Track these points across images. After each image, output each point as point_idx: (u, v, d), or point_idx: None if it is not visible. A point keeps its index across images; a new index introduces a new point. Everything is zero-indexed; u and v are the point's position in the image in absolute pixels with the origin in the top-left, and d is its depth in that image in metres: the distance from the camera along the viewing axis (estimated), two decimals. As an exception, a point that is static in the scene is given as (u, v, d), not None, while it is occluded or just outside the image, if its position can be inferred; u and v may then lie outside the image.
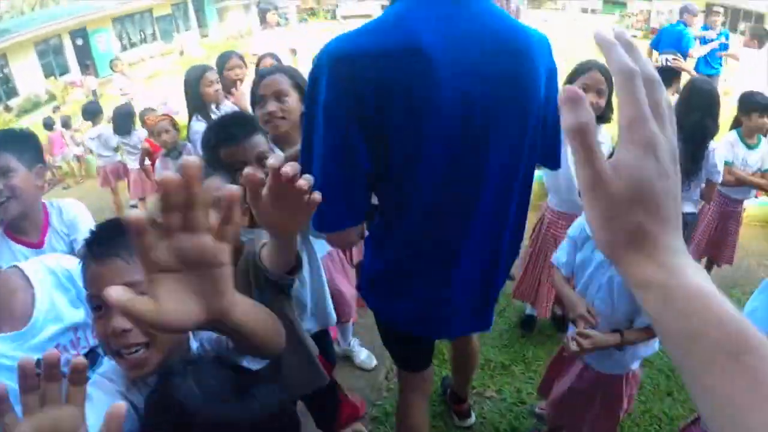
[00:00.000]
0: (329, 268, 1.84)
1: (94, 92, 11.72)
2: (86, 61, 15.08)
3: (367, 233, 1.26)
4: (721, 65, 5.27)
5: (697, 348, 0.33)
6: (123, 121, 4.57)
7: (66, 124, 7.82)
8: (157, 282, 0.46)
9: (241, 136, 1.26)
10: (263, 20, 6.23)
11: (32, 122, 8.53)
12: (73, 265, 1.07)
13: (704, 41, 5.10)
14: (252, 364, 0.81)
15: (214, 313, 0.50)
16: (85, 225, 1.53)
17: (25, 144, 1.48)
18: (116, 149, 4.92)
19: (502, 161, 1.05)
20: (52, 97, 13.66)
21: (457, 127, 0.97)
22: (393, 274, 1.19)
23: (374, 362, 2.31)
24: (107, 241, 0.79)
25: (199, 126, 2.75)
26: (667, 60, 3.19)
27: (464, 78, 0.94)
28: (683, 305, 0.34)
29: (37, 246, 1.48)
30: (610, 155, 0.38)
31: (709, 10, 5.79)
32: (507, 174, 1.08)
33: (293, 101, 1.57)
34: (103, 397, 0.75)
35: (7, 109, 13.17)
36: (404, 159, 1.00)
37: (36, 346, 0.97)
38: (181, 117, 3.55)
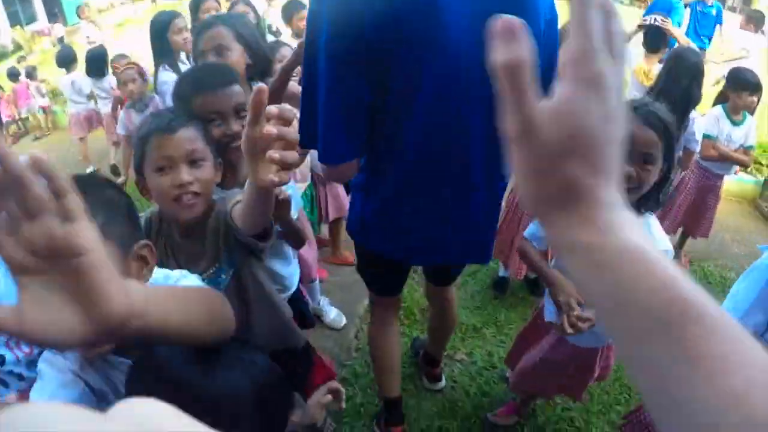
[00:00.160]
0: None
1: (61, 40, 11.24)
2: (54, 8, 14.31)
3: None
4: (710, 40, 5.12)
5: (631, 318, 0.29)
6: (95, 64, 4.51)
7: (31, 75, 7.48)
8: (24, 288, 0.39)
9: (218, 85, 1.17)
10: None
11: (-1, 73, 8.11)
12: None
13: (698, 15, 4.97)
14: None
15: (102, 322, 0.40)
16: None
17: None
18: (90, 96, 4.85)
19: (494, 101, 1.03)
20: (18, 47, 13.02)
21: (457, 66, 0.98)
22: (388, 212, 1.21)
23: (344, 321, 2.28)
24: None
25: (168, 76, 2.58)
26: (654, 20, 3.06)
27: (467, 19, 0.94)
28: (617, 270, 0.30)
29: None
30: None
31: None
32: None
33: (236, 55, 1.46)
34: (55, 376, 0.69)
35: (-28, 59, 12.52)
36: (403, 94, 1.01)
37: None
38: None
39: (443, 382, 1.99)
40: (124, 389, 0.66)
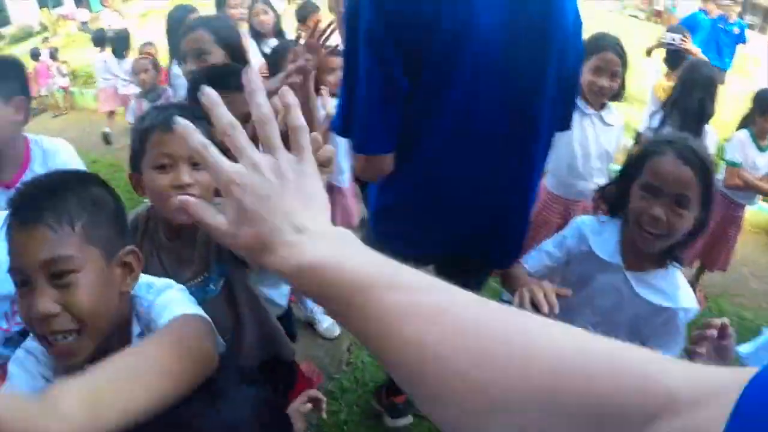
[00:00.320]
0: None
1: (84, 25, 11.45)
2: (82, -7, 14.55)
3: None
4: (731, 59, 4.79)
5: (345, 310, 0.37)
6: (119, 44, 4.84)
7: (53, 56, 7.58)
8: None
9: (234, 86, 1.12)
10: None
11: (23, 52, 8.32)
12: None
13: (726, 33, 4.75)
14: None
15: None
16: (66, 159, 1.39)
17: (1, 74, 1.30)
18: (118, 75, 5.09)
19: (525, 97, 1.07)
20: (44, 29, 13.31)
21: (492, 57, 1.01)
22: (406, 206, 1.21)
23: (337, 331, 2.20)
24: (33, 203, 0.65)
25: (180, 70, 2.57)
26: (673, 39, 2.97)
27: (502, 9, 0.98)
28: (314, 280, 0.37)
29: (8, 186, 1.32)
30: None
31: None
32: (528, 117, 1.10)
33: (216, 59, 1.42)
34: (24, 379, 0.66)
35: (0, 37, 12.77)
36: (434, 83, 1.03)
37: None
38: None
39: (409, 419, 1.77)
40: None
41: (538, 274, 1.25)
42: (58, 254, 0.62)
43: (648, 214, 1.05)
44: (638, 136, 2.78)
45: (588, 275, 1.22)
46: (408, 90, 1.03)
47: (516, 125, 1.10)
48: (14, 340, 0.85)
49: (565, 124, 1.27)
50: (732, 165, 2.44)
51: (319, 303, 0.40)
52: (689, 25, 4.37)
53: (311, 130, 0.48)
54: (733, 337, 0.95)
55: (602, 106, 1.95)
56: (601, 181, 2.00)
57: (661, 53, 3.35)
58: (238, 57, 1.53)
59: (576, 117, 1.45)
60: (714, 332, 0.93)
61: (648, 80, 3.04)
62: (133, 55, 4.62)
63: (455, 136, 1.08)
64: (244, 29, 2.79)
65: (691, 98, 2.20)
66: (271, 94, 0.50)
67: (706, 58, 2.95)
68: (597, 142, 1.94)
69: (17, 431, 0.47)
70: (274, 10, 2.89)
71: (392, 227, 1.26)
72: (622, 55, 1.88)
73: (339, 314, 0.38)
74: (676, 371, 0.27)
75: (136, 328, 0.75)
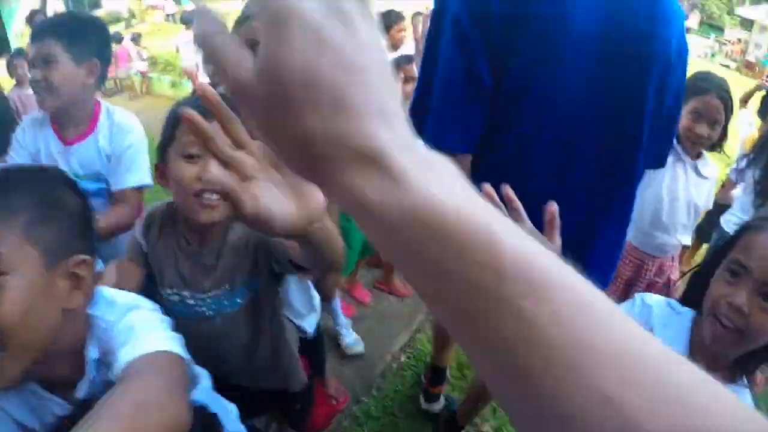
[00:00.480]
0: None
1: (168, 16, 12.09)
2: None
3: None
4: None
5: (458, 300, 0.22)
6: None
7: (135, 41, 7.99)
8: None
9: None
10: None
11: (110, 36, 8.83)
12: None
13: None
14: None
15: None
16: (133, 142, 1.37)
17: (79, 34, 1.29)
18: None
19: (621, 115, 1.00)
20: (132, 16, 14.12)
21: (584, 66, 0.95)
22: None
23: (361, 348, 2.07)
24: None
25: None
26: None
27: (599, 16, 0.93)
28: (416, 234, 0.22)
29: (69, 143, 1.36)
30: None
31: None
32: (626, 137, 1.02)
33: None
34: None
35: (90, 19, 13.86)
36: (518, 85, 0.98)
37: None
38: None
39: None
40: None
41: None
42: None
43: (727, 301, 0.80)
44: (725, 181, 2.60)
45: None
46: (489, 85, 0.98)
47: (611, 144, 1.02)
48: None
49: (659, 162, 1.17)
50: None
51: (407, 267, 0.23)
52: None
53: None
54: None
55: (698, 156, 1.75)
56: (685, 239, 1.79)
57: (755, 105, 3.14)
58: None
59: (669, 160, 1.30)
60: None
61: (741, 134, 2.80)
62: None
63: (531, 144, 1.01)
64: None
65: None
66: None
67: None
68: (687, 192, 1.74)
69: None
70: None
71: None
72: (727, 100, 1.68)
73: (450, 291, 0.22)
74: None
75: (92, 352, 0.64)
